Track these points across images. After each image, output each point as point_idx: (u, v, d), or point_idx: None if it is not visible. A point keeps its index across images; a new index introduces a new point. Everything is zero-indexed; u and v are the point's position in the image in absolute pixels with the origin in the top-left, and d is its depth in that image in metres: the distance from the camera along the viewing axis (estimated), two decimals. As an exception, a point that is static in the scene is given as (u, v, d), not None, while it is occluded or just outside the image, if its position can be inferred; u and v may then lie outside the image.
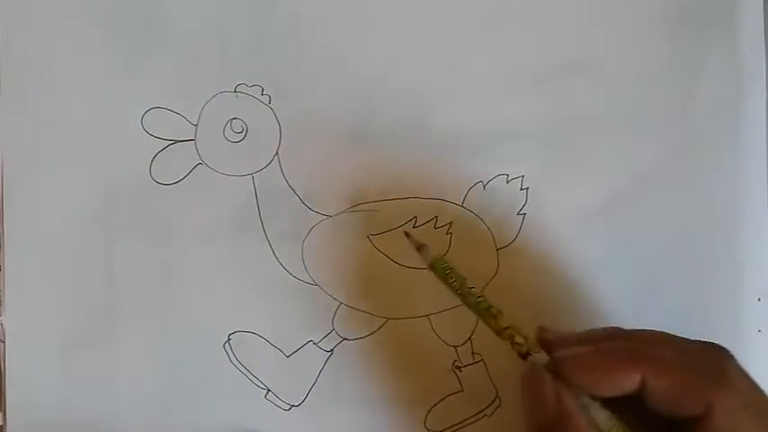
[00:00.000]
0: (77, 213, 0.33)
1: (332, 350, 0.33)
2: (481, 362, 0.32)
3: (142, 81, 0.33)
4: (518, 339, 0.27)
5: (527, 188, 0.32)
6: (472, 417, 0.32)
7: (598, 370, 0.25)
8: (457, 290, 0.29)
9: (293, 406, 0.33)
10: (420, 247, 0.30)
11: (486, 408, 0.32)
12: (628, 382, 0.24)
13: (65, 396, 0.33)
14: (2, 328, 0.33)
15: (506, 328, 0.27)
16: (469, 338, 0.32)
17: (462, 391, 0.32)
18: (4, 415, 0.33)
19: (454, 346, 0.32)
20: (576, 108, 0.33)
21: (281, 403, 0.33)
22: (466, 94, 0.33)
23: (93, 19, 0.33)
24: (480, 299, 0.28)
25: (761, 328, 0.32)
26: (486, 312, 0.28)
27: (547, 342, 0.27)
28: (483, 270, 0.32)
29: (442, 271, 0.29)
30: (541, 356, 0.27)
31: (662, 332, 0.26)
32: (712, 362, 0.25)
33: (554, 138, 0.33)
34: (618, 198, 0.32)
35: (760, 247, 0.32)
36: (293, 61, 0.33)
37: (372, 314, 0.32)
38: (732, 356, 0.25)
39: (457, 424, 0.32)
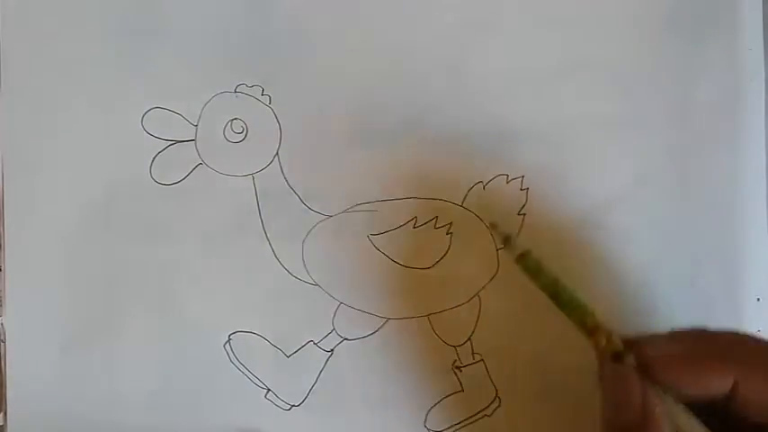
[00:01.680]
0: (77, 214, 0.33)
1: (332, 350, 0.33)
2: (481, 362, 0.32)
3: (142, 81, 0.33)
4: (614, 338, 0.25)
5: (527, 188, 0.32)
6: (472, 417, 0.32)
7: (691, 370, 0.24)
8: (546, 285, 0.27)
9: (293, 406, 0.33)
10: (506, 240, 0.28)
11: (486, 408, 0.32)
12: (720, 384, 0.23)
13: (65, 396, 0.33)
14: (2, 328, 0.33)
15: (596, 328, 0.26)
16: (469, 338, 0.32)
17: (462, 391, 0.32)
18: (5, 415, 0.33)
19: (454, 346, 0.32)
20: (575, 108, 0.33)
21: (281, 403, 0.33)
22: (466, 93, 0.33)
23: (94, 19, 0.33)
24: (572, 299, 0.27)
25: (760, 329, 0.32)
26: (576, 311, 0.26)
27: (631, 342, 0.26)
28: (483, 270, 0.32)
29: (531, 266, 0.27)
30: (630, 360, 0.25)
31: (750, 334, 0.25)
32: None
33: (554, 138, 0.33)
34: (618, 198, 0.32)
35: (760, 247, 0.32)
36: (293, 61, 0.33)
37: (372, 314, 0.33)
38: None
39: (457, 424, 0.32)
